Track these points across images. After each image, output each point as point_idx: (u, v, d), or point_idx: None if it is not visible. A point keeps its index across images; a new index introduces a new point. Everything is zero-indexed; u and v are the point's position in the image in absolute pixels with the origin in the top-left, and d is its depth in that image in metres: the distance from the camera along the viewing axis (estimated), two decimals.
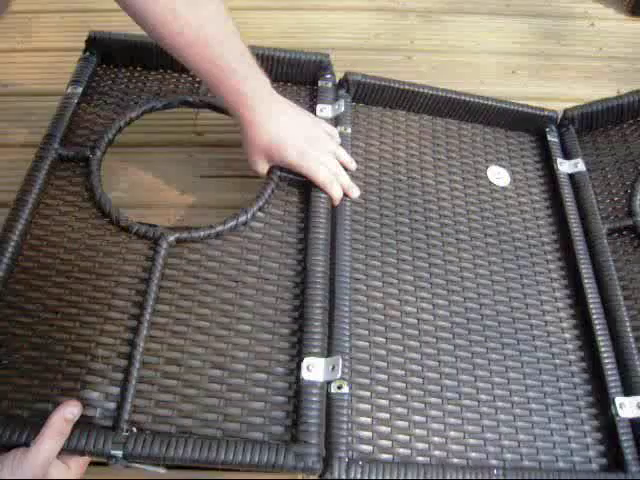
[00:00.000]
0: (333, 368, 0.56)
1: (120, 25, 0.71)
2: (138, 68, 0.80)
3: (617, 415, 0.62)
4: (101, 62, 0.79)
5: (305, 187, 0.69)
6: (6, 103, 0.91)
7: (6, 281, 0.59)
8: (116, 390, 0.54)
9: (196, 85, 0.78)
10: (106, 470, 0.60)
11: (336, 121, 0.76)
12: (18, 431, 0.50)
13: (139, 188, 0.79)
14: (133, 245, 0.63)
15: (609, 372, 0.64)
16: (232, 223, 0.64)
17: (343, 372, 0.57)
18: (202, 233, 0.63)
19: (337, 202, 0.68)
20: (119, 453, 0.51)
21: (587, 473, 0.60)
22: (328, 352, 0.57)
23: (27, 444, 0.50)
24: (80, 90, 0.73)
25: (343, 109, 0.75)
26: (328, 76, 0.79)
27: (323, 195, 0.67)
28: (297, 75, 0.80)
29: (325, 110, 0.76)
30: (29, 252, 0.62)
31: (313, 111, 0.76)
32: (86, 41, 0.77)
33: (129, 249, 0.62)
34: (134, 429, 0.52)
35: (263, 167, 0.69)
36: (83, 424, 0.51)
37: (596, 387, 0.65)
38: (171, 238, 0.62)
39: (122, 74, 0.79)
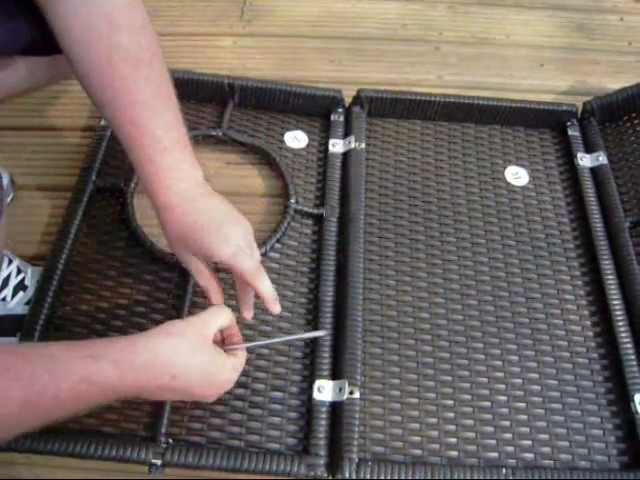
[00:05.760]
0: (340, 390, 0.63)
1: None
2: None
3: (637, 412, 0.60)
4: None
5: (318, 220, 0.77)
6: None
7: (54, 305, 0.68)
8: (154, 407, 0.63)
9: (217, 114, 0.86)
10: None
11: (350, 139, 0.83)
12: (72, 442, 0.58)
13: None
14: (165, 274, 0.72)
15: (629, 369, 0.64)
16: None
17: (355, 378, 0.64)
18: None
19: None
20: (158, 462, 0.59)
21: (606, 472, 0.59)
22: (337, 374, 0.65)
23: (76, 454, 0.58)
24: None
25: (353, 145, 0.81)
26: (340, 110, 0.85)
27: (333, 229, 0.74)
28: (311, 108, 0.86)
29: (337, 145, 0.82)
30: (72, 277, 0.71)
31: (327, 144, 0.83)
32: None
33: (161, 277, 0.72)
34: (170, 440, 0.61)
35: (180, 254, 0.58)
36: (127, 436, 0.61)
37: (617, 385, 0.68)
38: None
39: None
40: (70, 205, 0.74)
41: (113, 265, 0.72)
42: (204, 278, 0.57)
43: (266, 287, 0.56)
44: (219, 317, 0.53)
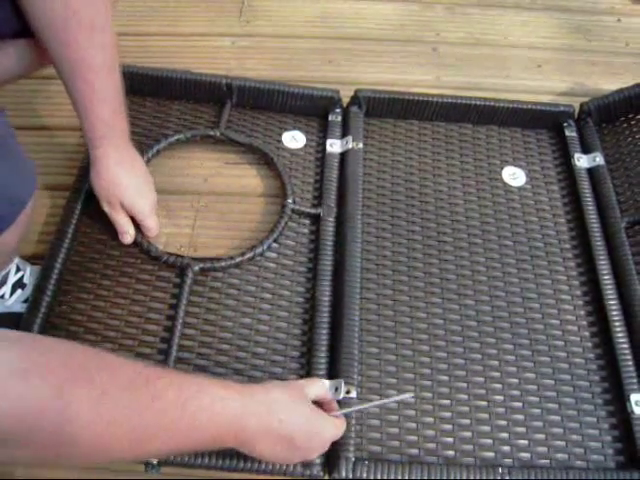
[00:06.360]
0: (337, 389, 0.63)
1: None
2: (163, 98, 0.87)
3: (633, 412, 0.60)
4: (128, 93, 0.84)
5: (315, 220, 0.77)
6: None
7: (51, 304, 0.68)
8: None
9: (215, 114, 0.86)
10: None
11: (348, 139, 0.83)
12: None
13: (164, 174, 0.82)
14: (162, 273, 0.72)
15: (625, 369, 0.64)
16: (250, 254, 0.72)
17: (352, 377, 0.64)
18: (223, 263, 0.72)
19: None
20: (155, 460, 0.59)
21: (602, 471, 0.59)
22: (334, 374, 0.64)
23: None
24: None
25: (351, 145, 0.81)
26: (338, 110, 0.85)
27: (330, 228, 0.75)
28: (309, 108, 0.86)
29: (335, 145, 0.82)
30: (70, 276, 0.71)
31: (324, 144, 0.82)
32: None
33: (158, 277, 0.72)
34: None
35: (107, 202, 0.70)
36: None
37: (613, 384, 0.68)
38: (196, 268, 0.71)
39: (149, 103, 0.87)
40: (68, 204, 0.74)
41: (111, 264, 0.71)
42: (122, 216, 0.70)
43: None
44: (316, 386, 0.56)
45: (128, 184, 0.69)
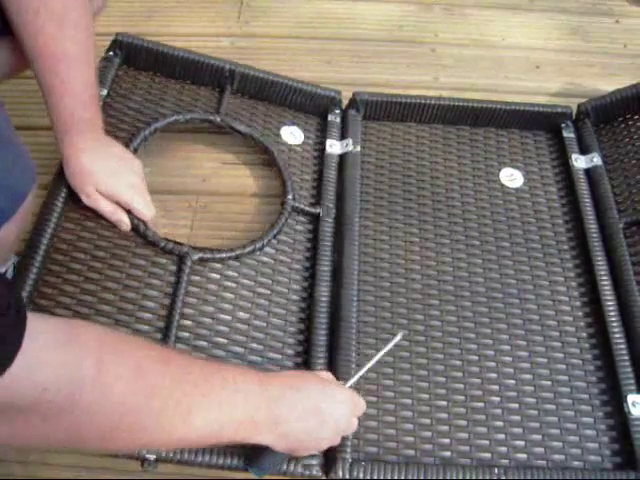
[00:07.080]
0: None
1: None
2: (158, 74, 0.84)
3: (630, 413, 0.60)
4: (122, 64, 0.83)
5: (314, 219, 0.76)
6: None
7: (36, 284, 0.64)
8: None
9: (213, 99, 0.84)
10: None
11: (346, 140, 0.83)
12: None
13: (163, 174, 0.82)
14: (158, 259, 0.69)
15: (622, 370, 0.64)
16: (250, 248, 0.71)
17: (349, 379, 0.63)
18: (223, 255, 0.70)
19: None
20: (152, 457, 0.58)
21: (599, 472, 0.59)
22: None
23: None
24: (105, 92, 0.78)
25: (351, 148, 0.81)
26: (337, 111, 0.85)
27: (329, 229, 0.74)
28: (310, 106, 0.86)
29: (334, 146, 0.82)
30: (57, 255, 0.67)
31: (322, 144, 0.82)
32: (112, 42, 0.82)
33: (154, 263, 0.69)
34: None
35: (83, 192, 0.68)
36: None
37: (610, 385, 0.68)
38: (195, 257, 0.69)
39: (143, 78, 0.83)
40: (55, 178, 0.70)
41: (102, 245, 0.68)
42: (105, 203, 0.67)
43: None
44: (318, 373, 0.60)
45: (99, 169, 0.67)
